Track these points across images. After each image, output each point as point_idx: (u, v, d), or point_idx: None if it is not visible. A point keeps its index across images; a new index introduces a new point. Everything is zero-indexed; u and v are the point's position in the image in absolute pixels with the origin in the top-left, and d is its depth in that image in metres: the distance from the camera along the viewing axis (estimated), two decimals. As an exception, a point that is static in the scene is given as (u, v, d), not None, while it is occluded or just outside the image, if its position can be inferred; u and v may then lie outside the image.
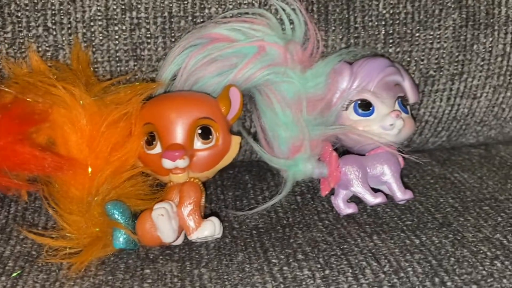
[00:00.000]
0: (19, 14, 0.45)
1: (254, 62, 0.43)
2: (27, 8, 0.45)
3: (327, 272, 0.37)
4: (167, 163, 0.39)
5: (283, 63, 0.43)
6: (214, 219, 0.39)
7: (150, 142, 0.41)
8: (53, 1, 0.45)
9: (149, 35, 0.46)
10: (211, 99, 0.42)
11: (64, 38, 0.46)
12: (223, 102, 0.42)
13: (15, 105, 0.39)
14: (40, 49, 0.45)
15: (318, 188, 0.47)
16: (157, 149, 0.40)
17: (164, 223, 0.38)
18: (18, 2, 0.45)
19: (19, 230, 0.42)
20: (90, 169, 0.39)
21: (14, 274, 0.37)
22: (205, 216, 0.41)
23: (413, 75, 0.50)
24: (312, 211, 0.45)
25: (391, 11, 0.49)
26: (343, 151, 0.47)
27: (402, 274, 0.36)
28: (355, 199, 0.45)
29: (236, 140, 0.42)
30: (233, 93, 0.42)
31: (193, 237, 0.39)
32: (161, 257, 0.40)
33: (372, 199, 0.43)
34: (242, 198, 0.47)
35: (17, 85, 0.41)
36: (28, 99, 0.39)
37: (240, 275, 0.37)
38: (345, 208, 0.44)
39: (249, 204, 0.46)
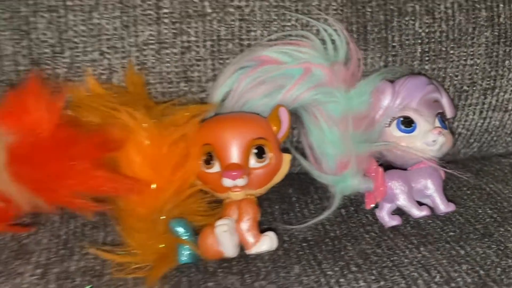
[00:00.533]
0: (76, 40, 0.47)
1: (301, 83, 0.45)
2: (84, 34, 0.47)
3: (382, 283, 0.39)
4: (227, 182, 0.41)
5: (328, 83, 0.46)
6: (271, 234, 0.42)
7: (208, 161, 0.43)
8: (108, 27, 0.47)
9: (199, 57, 0.49)
10: (263, 120, 0.44)
11: (118, 62, 0.48)
12: (273, 122, 0.44)
13: (94, 132, 0.41)
14: (95, 72, 0.48)
15: (360, 201, 0.49)
16: (216, 168, 0.43)
17: (227, 238, 0.40)
18: (75, 29, 0.47)
19: (83, 246, 0.44)
20: (154, 187, 0.41)
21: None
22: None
23: (448, 90, 0.53)
24: (357, 224, 0.47)
25: (427, 30, 0.51)
26: (386, 165, 0.49)
27: (453, 285, 0.38)
28: (398, 211, 0.47)
29: (286, 158, 0.44)
30: (282, 112, 0.44)
31: (252, 251, 0.41)
32: (219, 270, 0.42)
33: (417, 213, 0.45)
34: (289, 211, 0.50)
35: (80, 108, 0.44)
36: (104, 126, 0.41)
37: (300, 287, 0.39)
38: (389, 221, 0.46)
39: (296, 217, 0.49)
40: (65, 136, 0.41)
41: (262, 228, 0.46)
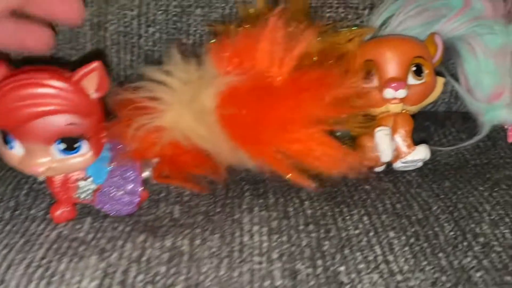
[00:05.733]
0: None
1: (461, 15, 0.47)
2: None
3: (536, 201, 0.41)
4: (389, 93, 0.44)
5: (488, 16, 0.47)
6: (424, 145, 0.45)
7: (367, 77, 0.45)
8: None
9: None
10: (422, 42, 0.47)
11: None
12: (431, 45, 0.46)
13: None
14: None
15: (496, 137, 0.51)
16: (374, 83, 0.45)
17: (387, 143, 0.43)
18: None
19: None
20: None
21: None
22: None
23: None
24: (496, 156, 0.49)
25: None
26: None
27: None
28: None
29: (440, 80, 0.46)
30: (437, 39, 0.46)
31: (408, 159, 0.44)
32: (371, 178, 0.45)
33: None
34: (428, 139, 0.52)
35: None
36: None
37: (455, 196, 0.42)
38: (531, 155, 0.48)
39: (434, 144, 0.51)
40: (295, 86, 0.37)
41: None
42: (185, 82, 0.38)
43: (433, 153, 0.49)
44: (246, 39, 0.38)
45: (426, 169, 0.47)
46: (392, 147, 0.44)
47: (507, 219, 0.39)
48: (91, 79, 0.35)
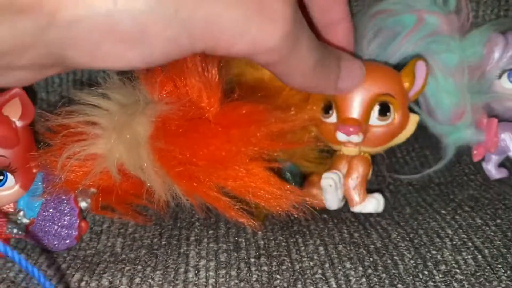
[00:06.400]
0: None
1: (416, 31, 0.45)
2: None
3: (498, 221, 0.39)
4: (341, 136, 0.39)
5: (443, 31, 0.45)
6: (378, 196, 0.40)
7: (327, 110, 0.41)
8: None
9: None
10: (394, 73, 0.41)
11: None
12: (407, 77, 0.40)
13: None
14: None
15: (461, 153, 0.49)
16: (332, 118, 0.41)
17: (332, 193, 0.39)
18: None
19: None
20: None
21: None
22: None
23: None
24: (461, 173, 0.47)
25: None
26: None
27: None
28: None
29: (414, 118, 0.41)
30: (419, 67, 0.41)
31: (356, 210, 0.40)
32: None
33: (529, 163, 0.45)
34: (391, 156, 0.50)
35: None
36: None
37: (416, 222, 0.39)
38: (496, 173, 0.46)
39: (398, 163, 0.49)
40: (226, 121, 0.33)
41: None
42: (121, 105, 0.35)
43: (396, 171, 0.47)
44: (178, 63, 0.35)
45: (388, 192, 0.45)
46: (339, 196, 0.40)
47: (469, 244, 0.37)
48: (13, 106, 0.32)
